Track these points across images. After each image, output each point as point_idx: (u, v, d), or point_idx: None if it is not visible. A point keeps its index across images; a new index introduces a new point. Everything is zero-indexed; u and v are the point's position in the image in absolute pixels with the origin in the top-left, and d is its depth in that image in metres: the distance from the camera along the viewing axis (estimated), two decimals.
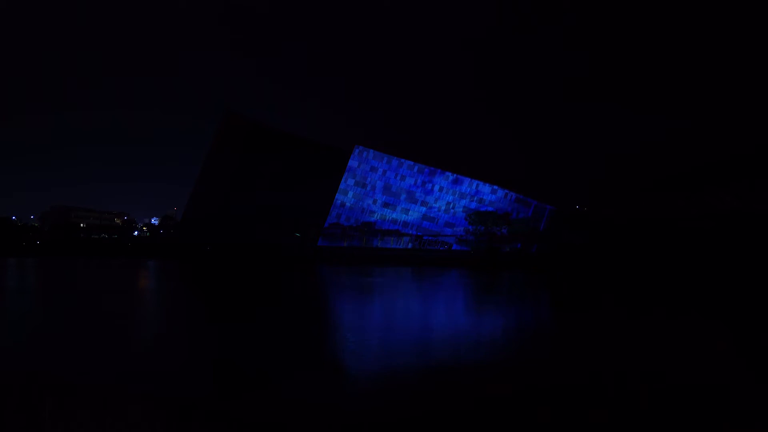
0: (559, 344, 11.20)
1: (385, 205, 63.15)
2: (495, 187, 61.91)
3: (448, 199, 62.30)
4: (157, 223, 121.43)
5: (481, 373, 8.39)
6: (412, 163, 62.98)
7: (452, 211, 62.39)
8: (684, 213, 53.35)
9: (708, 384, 7.85)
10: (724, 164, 56.06)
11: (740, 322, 15.10)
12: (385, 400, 6.81)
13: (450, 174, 62.20)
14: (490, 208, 59.73)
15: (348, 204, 63.26)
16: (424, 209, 62.70)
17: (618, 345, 11.17)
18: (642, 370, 8.59)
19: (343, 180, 63.70)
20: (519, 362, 9.37)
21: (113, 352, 9.57)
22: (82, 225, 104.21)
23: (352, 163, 63.72)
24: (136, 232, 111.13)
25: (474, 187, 62.33)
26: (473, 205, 61.31)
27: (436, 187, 62.86)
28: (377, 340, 11.60)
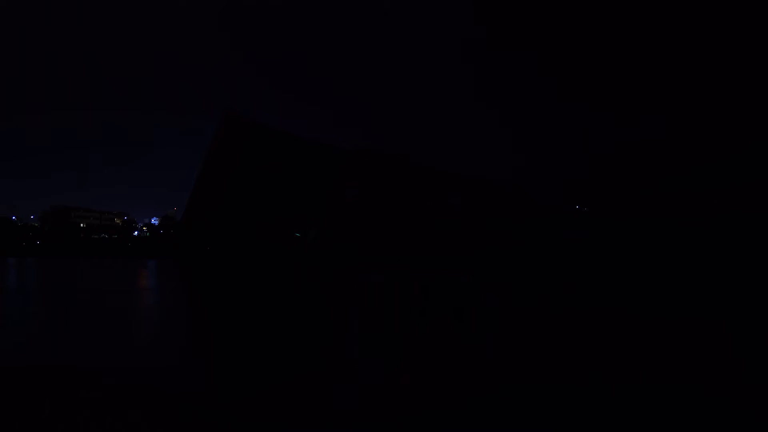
0: (557, 343, 11.19)
1: None
2: None
3: None
4: (157, 223, 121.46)
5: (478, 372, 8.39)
6: None
7: None
8: (684, 213, 53.30)
9: (707, 384, 7.84)
10: (724, 164, 56.02)
11: (741, 322, 15.09)
12: (386, 399, 6.80)
13: None
14: None
15: None
16: None
17: (618, 345, 11.16)
18: (641, 371, 8.58)
19: None
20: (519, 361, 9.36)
21: (112, 351, 9.57)
22: (82, 225, 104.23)
23: None
24: (136, 232, 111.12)
25: None
26: None
27: None
28: (379, 339, 11.60)
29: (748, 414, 6.37)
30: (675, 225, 51.84)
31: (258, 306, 17.60)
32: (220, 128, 67.12)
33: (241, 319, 14.27)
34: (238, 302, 18.62)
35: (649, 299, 21.69)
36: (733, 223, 48.02)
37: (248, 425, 5.60)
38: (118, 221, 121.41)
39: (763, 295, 23.58)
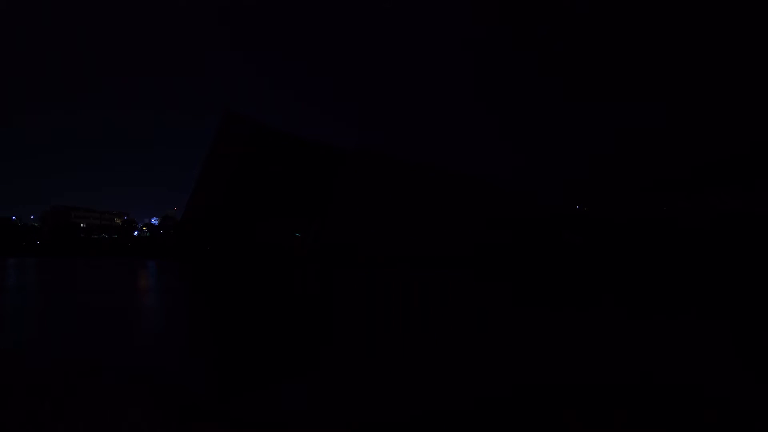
0: (558, 343, 11.19)
1: None
2: None
3: None
4: (157, 223, 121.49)
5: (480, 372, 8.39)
6: None
7: None
8: (684, 213, 53.32)
9: (707, 384, 7.84)
10: (724, 164, 56.03)
11: (741, 323, 15.09)
12: (386, 399, 6.80)
13: None
14: None
15: None
16: None
17: (618, 345, 11.16)
18: (642, 371, 8.58)
19: None
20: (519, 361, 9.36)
21: (112, 351, 9.57)
22: (82, 225, 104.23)
23: None
24: (136, 232, 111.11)
25: None
26: None
27: None
28: (379, 339, 11.60)
29: (748, 414, 6.37)
30: (675, 225, 51.87)
31: (258, 306, 17.61)
32: (220, 128, 67.09)
33: (241, 319, 14.27)
34: (238, 302, 18.63)
35: (649, 299, 21.68)
36: (733, 223, 48.03)
37: (248, 425, 5.60)
38: (118, 221, 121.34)
39: (763, 295, 23.58)
